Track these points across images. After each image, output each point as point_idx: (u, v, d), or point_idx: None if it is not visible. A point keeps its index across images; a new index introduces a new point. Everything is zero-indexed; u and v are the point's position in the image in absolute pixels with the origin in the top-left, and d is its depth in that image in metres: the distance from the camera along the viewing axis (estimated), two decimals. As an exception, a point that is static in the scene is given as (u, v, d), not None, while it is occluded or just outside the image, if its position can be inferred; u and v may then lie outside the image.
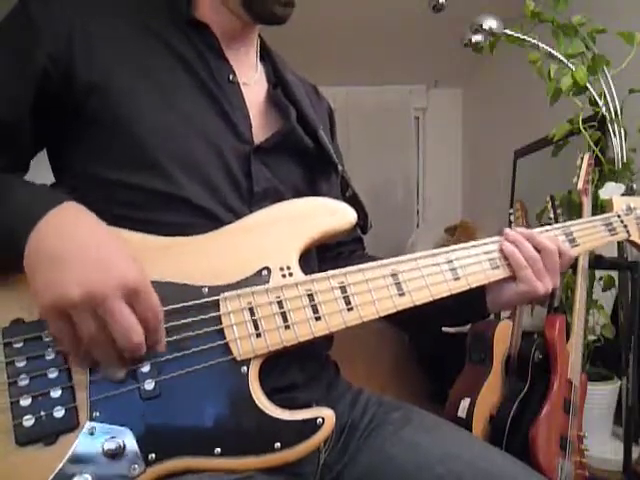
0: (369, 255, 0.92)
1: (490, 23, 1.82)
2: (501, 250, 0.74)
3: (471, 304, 0.76)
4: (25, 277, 0.51)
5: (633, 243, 0.88)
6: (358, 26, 3.23)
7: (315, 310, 0.61)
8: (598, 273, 1.73)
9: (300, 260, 0.64)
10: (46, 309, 0.49)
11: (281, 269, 0.62)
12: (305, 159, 0.77)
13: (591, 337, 1.71)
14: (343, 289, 0.63)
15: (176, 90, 0.67)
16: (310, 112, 0.79)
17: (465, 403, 1.58)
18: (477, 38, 1.85)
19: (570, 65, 1.72)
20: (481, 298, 0.76)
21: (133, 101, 0.63)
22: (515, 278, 0.74)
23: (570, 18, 1.72)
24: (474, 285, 0.71)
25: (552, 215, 1.64)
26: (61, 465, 0.50)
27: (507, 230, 0.75)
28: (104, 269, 0.50)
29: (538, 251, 0.73)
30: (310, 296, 0.62)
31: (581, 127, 1.72)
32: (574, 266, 1.54)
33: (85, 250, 0.51)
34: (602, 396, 1.70)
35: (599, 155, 1.71)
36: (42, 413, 0.51)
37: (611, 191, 1.55)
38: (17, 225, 0.52)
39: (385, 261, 0.67)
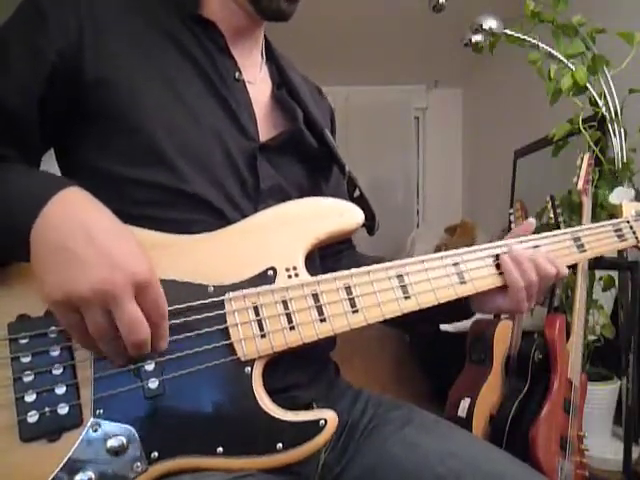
0: (360, 253, 0.92)
1: (490, 23, 1.82)
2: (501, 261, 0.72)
3: (460, 307, 0.76)
4: (30, 273, 0.50)
5: None
6: (358, 26, 3.24)
7: (320, 312, 0.61)
8: (598, 273, 1.73)
9: (305, 261, 0.64)
10: (56, 304, 0.48)
11: (287, 269, 0.62)
12: (309, 159, 0.77)
13: (591, 337, 1.71)
14: (349, 291, 0.63)
15: (183, 86, 0.66)
16: (315, 113, 0.79)
17: (465, 403, 1.58)
18: (477, 38, 1.85)
19: (570, 65, 1.72)
20: (467, 303, 0.76)
21: (140, 96, 0.63)
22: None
23: (570, 18, 1.73)
24: (480, 290, 0.71)
25: (552, 215, 1.64)
26: (64, 462, 0.50)
27: (514, 247, 0.73)
28: (115, 264, 0.48)
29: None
30: (315, 297, 0.61)
31: (581, 127, 1.72)
32: (574, 266, 1.55)
33: (94, 242, 0.49)
34: (602, 396, 1.70)
35: (599, 155, 1.71)
36: (46, 409, 0.52)
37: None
38: (20, 212, 0.51)
39: (391, 263, 0.66)
